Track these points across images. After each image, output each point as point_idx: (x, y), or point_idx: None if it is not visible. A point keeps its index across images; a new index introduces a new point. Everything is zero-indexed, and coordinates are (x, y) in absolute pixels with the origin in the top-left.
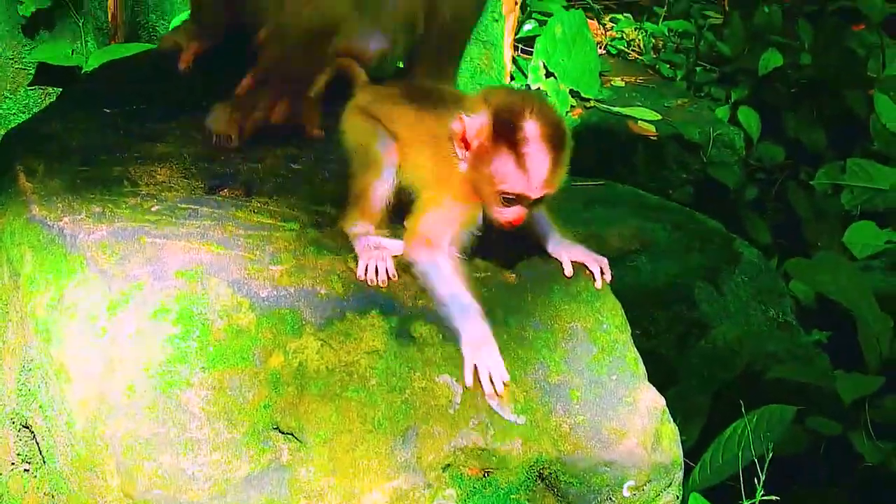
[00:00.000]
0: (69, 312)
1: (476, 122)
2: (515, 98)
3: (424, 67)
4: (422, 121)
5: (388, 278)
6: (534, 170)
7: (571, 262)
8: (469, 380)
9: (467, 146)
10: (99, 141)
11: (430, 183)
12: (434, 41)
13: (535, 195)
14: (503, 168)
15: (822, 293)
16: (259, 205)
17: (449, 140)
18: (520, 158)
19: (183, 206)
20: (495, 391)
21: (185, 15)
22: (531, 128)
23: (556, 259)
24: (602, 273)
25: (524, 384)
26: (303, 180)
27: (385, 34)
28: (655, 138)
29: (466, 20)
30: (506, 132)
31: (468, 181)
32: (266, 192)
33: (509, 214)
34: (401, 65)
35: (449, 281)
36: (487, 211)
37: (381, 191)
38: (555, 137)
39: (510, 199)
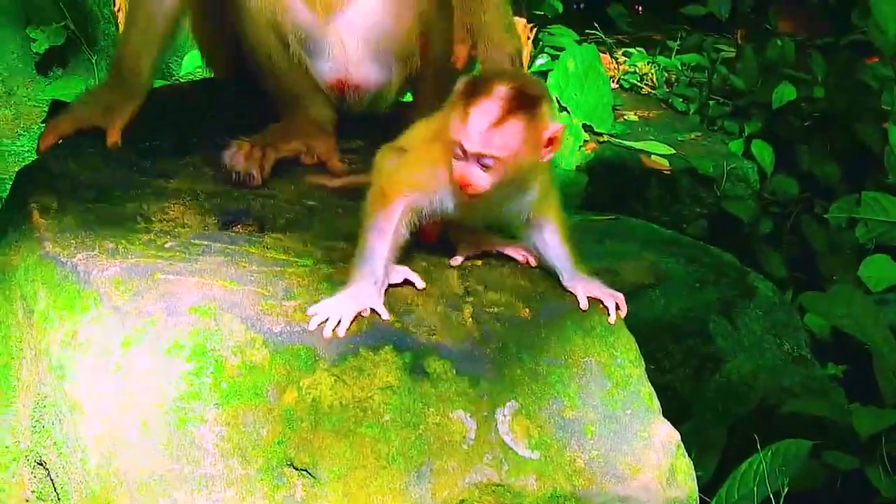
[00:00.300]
0: (83, 349)
1: (464, 79)
2: (508, 71)
3: (427, 102)
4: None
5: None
6: (473, 119)
7: (587, 297)
8: (312, 309)
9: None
10: (112, 178)
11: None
12: (432, 75)
13: (469, 146)
14: (455, 116)
15: (837, 327)
16: (272, 241)
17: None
18: (467, 108)
19: (196, 242)
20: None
21: (197, 53)
22: (494, 88)
23: (571, 293)
24: (618, 308)
25: (538, 419)
26: (316, 216)
27: (382, 67)
28: (669, 172)
29: None
30: (471, 86)
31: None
32: (279, 228)
33: (457, 169)
34: (409, 97)
35: (377, 240)
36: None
37: None
38: (515, 104)
39: (458, 154)
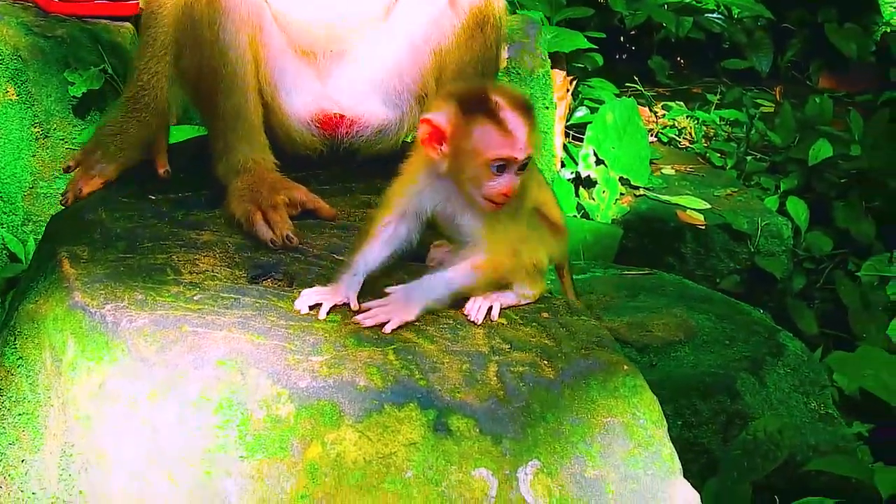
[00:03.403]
0: (110, 399)
1: (442, 114)
2: (472, 81)
3: None
4: None
5: None
6: (516, 130)
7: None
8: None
9: (441, 139)
10: (143, 228)
11: None
12: None
13: (520, 156)
14: (486, 136)
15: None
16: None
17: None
18: (500, 123)
19: (225, 295)
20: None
21: None
22: (499, 97)
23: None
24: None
25: (559, 478)
26: None
27: (394, 106)
28: (704, 227)
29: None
30: (477, 106)
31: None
32: (308, 282)
33: (502, 184)
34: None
35: None
36: (477, 194)
37: None
38: (522, 103)
39: (500, 167)
